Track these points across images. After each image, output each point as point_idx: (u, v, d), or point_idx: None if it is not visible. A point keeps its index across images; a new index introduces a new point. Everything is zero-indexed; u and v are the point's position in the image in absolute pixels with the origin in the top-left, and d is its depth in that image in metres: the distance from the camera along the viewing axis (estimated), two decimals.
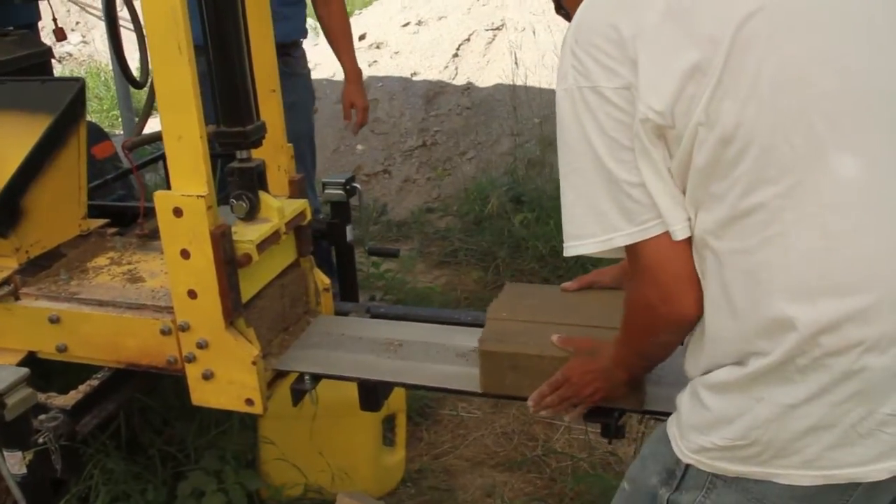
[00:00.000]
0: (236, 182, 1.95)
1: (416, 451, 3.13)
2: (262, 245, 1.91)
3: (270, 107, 2.08)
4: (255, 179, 1.97)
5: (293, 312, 2.16)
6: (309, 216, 2.14)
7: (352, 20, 8.15)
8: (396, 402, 2.78)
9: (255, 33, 1.98)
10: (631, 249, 1.30)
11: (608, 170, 1.25)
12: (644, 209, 1.25)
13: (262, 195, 1.98)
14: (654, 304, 1.31)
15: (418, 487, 2.93)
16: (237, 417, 2.75)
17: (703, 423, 1.29)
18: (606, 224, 1.28)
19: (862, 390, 1.16)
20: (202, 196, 1.77)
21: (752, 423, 1.22)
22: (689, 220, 1.27)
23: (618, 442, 3.04)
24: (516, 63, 5.77)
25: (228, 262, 1.82)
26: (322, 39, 9.06)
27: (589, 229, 1.30)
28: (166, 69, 1.71)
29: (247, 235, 1.89)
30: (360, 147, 6.16)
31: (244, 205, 1.94)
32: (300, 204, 2.12)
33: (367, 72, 6.73)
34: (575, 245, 1.34)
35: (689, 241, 1.28)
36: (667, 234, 1.27)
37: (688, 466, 1.32)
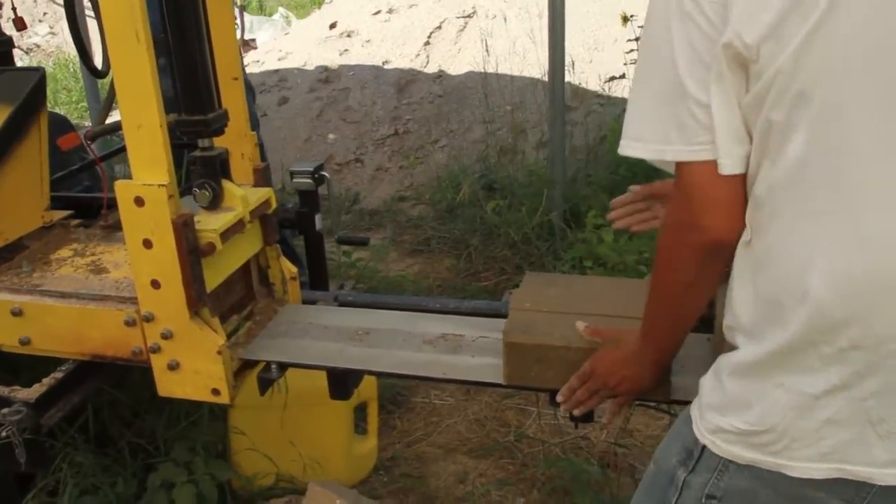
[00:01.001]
0: (199, 171, 1.92)
1: (388, 439, 3.13)
2: (226, 234, 1.89)
3: (233, 95, 2.07)
4: (218, 167, 1.93)
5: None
6: (274, 204, 2.13)
7: (323, 9, 8.13)
8: (368, 390, 2.78)
9: (215, 20, 1.96)
10: (677, 167, 1.25)
11: (681, 82, 1.19)
12: (701, 131, 1.19)
13: (226, 184, 1.96)
14: (685, 225, 1.26)
15: (391, 475, 2.93)
16: (207, 408, 2.73)
17: (721, 403, 1.28)
18: (661, 134, 1.23)
19: (884, 390, 1.14)
20: (163, 185, 1.75)
21: (771, 409, 1.21)
22: (745, 158, 1.21)
23: (590, 427, 3.06)
24: (487, 51, 5.76)
25: (191, 252, 1.81)
26: (292, 29, 9.01)
27: (645, 134, 1.25)
28: (124, 58, 1.69)
29: (210, 224, 1.87)
30: (331, 136, 6.14)
31: (207, 193, 1.91)
32: (265, 192, 2.10)
33: (338, 60, 6.72)
34: (628, 145, 1.28)
35: (737, 178, 1.22)
36: (714, 162, 1.21)
37: (704, 447, 1.30)
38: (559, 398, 1.68)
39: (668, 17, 1.19)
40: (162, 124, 1.72)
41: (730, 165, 1.20)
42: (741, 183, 1.23)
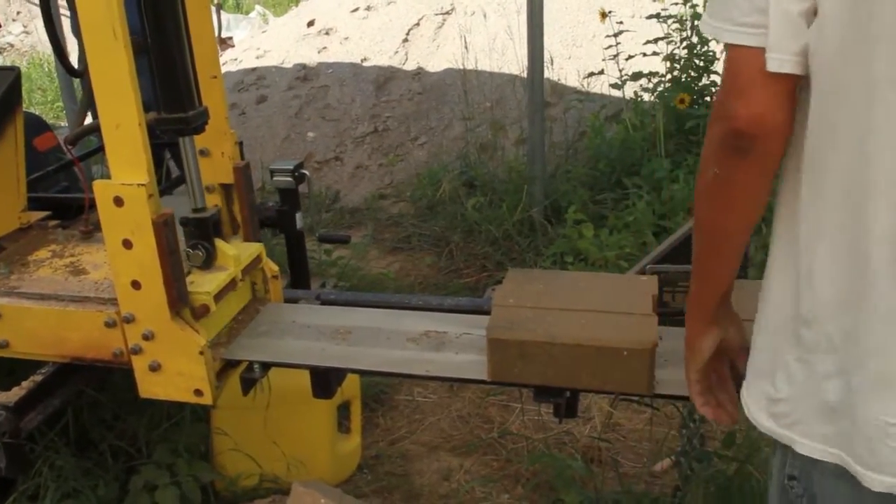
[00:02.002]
0: (192, 231, 1.95)
1: (372, 438, 3.12)
2: (220, 295, 1.93)
3: (212, 93, 2.05)
4: (211, 229, 1.97)
5: None
6: (265, 259, 2.15)
7: (300, 6, 8.10)
8: (351, 388, 2.77)
9: (193, 18, 1.94)
10: (725, 50, 1.15)
11: None
12: (749, 10, 1.08)
13: (219, 243, 1.99)
14: (714, 117, 1.16)
15: (375, 473, 2.93)
16: (189, 409, 2.71)
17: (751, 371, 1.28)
18: (721, 14, 1.12)
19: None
20: (143, 185, 1.73)
21: (787, 379, 1.19)
22: (799, 55, 1.08)
23: (574, 422, 3.07)
24: (466, 47, 5.75)
25: (172, 252, 1.80)
26: (270, 27, 8.96)
27: (715, 12, 1.13)
28: (101, 56, 1.67)
29: (204, 286, 1.90)
30: (310, 134, 6.11)
31: (200, 254, 1.95)
32: (255, 248, 2.13)
33: (316, 58, 6.69)
34: (704, 22, 1.17)
35: (782, 78, 1.09)
36: (760, 51, 1.08)
37: None
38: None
39: None
40: (141, 123, 1.70)
41: (776, 61, 1.08)
42: (788, 85, 1.10)
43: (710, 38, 1.12)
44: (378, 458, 3.01)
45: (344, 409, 2.86)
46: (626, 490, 2.49)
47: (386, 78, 6.42)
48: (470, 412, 3.25)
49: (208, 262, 1.97)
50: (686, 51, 4.86)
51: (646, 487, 2.70)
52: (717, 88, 1.22)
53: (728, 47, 1.12)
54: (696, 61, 4.88)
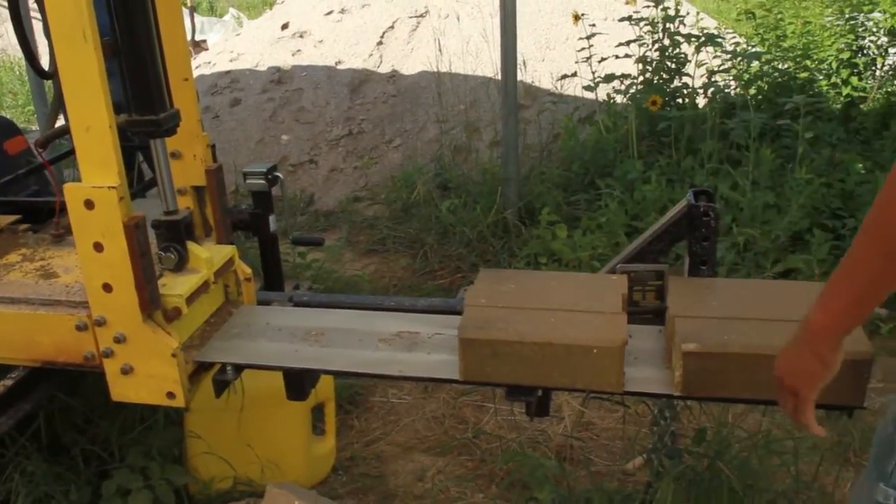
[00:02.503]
0: (164, 234, 1.95)
1: (347, 439, 3.13)
2: (192, 298, 1.92)
3: (184, 95, 2.05)
4: (183, 231, 1.96)
5: None
6: (238, 262, 2.14)
7: (274, 9, 8.07)
8: (325, 390, 2.78)
9: (164, 20, 1.94)
10: None
11: None
12: None
13: (191, 246, 1.98)
14: None
15: (350, 475, 2.93)
16: (162, 413, 2.71)
17: None
18: None
19: None
20: (114, 187, 1.73)
21: None
22: None
23: (547, 421, 3.09)
24: (440, 50, 5.78)
25: (143, 255, 1.79)
26: (244, 30, 8.93)
27: None
28: (71, 58, 1.66)
29: (176, 289, 1.89)
30: (285, 137, 6.10)
31: (173, 256, 1.94)
32: (228, 251, 2.12)
33: (290, 61, 6.68)
34: None
35: None
36: None
37: None
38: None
39: None
40: (111, 125, 1.70)
41: None
42: None
43: None
44: (353, 460, 3.01)
45: (318, 412, 2.86)
46: (598, 488, 2.51)
47: (360, 81, 6.42)
48: (444, 413, 3.26)
49: (180, 265, 1.96)
50: (658, 53, 4.92)
51: (618, 485, 2.72)
52: None
53: None
54: (668, 63, 4.93)
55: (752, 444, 2.53)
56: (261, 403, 2.59)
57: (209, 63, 7.20)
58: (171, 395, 1.91)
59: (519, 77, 4.75)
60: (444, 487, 2.84)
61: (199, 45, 9.26)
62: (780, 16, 5.53)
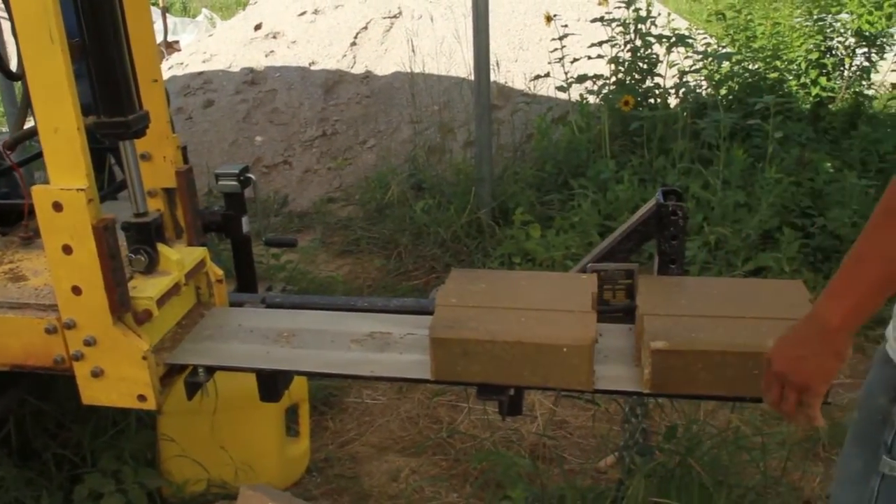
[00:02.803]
0: (134, 236, 1.94)
1: (321, 441, 3.13)
2: (162, 300, 1.91)
3: (153, 97, 2.04)
4: (153, 233, 1.96)
5: None
6: (209, 263, 2.14)
7: (247, 10, 8.03)
8: (299, 392, 2.77)
9: (133, 21, 1.93)
10: None
11: None
12: None
13: (161, 248, 1.98)
14: None
15: (324, 476, 2.93)
16: (135, 416, 2.70)
17: None
18: None
19: None
20: (82, 189, 1.72)
21: None
22: None
23: (521, 420, 3.11)
24: (414, 51, 5.78)
25: (113, 257, 1.78)
26: (217, 30, 8.88)
27: None
28: (38, 59, 1.65)
29: (146, 291, 1.88)
30: (258, 138, 6.08)
31: (143, 259, 1.93)
32: (199, 252, 2.11)
33: (263, 62, 6.65)
34: None
35: None
36: None
37: None
38: (764, 401, 1.46)
39: None
40: (79, 127, 1.69)
41: None
42: None
43: None
44: (327, 461, 3.01)
45: (292, 413, 2.86)
46: (571, 486, 2.53)
47: (334, 82, 6.41)
48: (419, 413, 3.27)
49: (151, 267, 1.96)
50: (630, 54, 4.95)
51: (591, 482, 2.74)
52: None
53: None
54: (640, 64, 4.97)
55: (722, 441, 2.56)
56: (234, 405, 2.59)
57: (182, 64, 7.16)
58: (142, 397, 1.90)
59: (492, 77, 4.77)
60: (419, 487, 2.85)
61: (171, 46, 9.20)
62: (749, 17, 5.58)
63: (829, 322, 1.31)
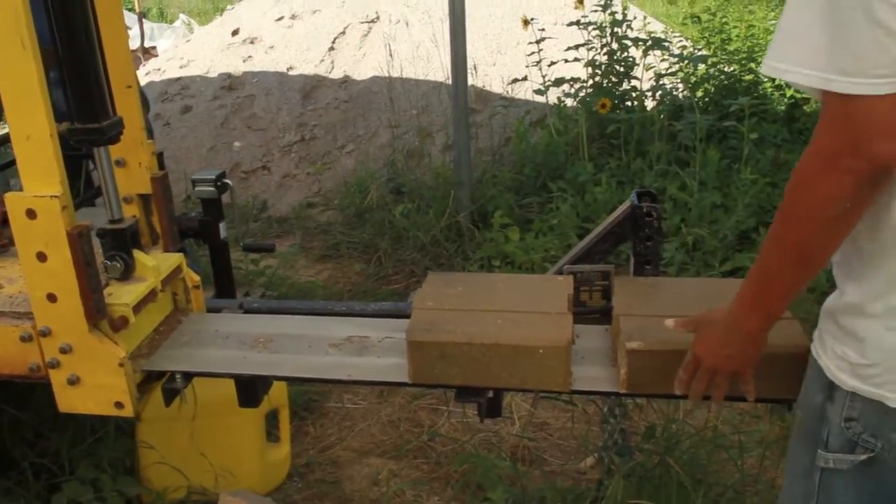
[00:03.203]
0: (109, 243, 1.93)
1: (302, 446, 3.12)
2: (139, 307, 1.90)
3: (127, 103, 2.03)
4: (129, 240, 1.95)
5: None
6: (186, 269, 2.13)
7: (225, 15, 8.02)
8: (278, 397, 2.77)
9: (106, 27, 1.93)
10: (838, 98, 1.17)
11: (871, 8, 1.11)
12: (886, 63, 1.13)
13: (137, 254, 1.97)
14: (844, 152, 1.20)
15: (305, 481, 2.93)
16: (113, 424, 2.68)
17: (839, 338, 1.37)
18: (829, 63, 1.15)
19: None
20: (56, 196, 1.71)
21: (878, 346, 1.31)
22: None
23: (501, 422, 3.12)
24: (391, 55, 5.79)
25: (88, 264, 1.78)
26: (195, 36, 8.85)
27: (809, 60, 1.17)
28: (9, 66, 1.64)
29: (122, 298, 1.87)
30: (237, 144, 6.06)
31: (118, 265, 1.92)
32: (175, 259, 2.10)
33: (241, 67, 6.64)
34: (780, 68, 1.21)
35: None
36: (892, 96, 1.14)
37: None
38: (679, 391, 1.63)
39: None
40: (52, 134, 1.68)
41: None
42: None
43: (804, 86, 1.19)
44: (308, 466, 3.00)
45: (272, 418, 2.85)
46: (551, 487, 2.54)
47: (312, 86, 6.41)
48: (399, 417, 3.27)
49: (127, 274, 1.95)
50: (606, 57, 4.98)
51: (572, 483, 2.75)
52: (833, 130, 1.22)
53: (852, 98, 1.16)
54: (617, 67, 5.00)
55: (701, 440, 2.58)
56: (214, 411, 2.58)
57: (159, 70, 7.13)
58: (119, 405, 1.89)
59: (470, 81, 4.79)
60: (400, 491, 2.85)
61: (148, 52, 9.16)
62: (724, 20, 5.64)
63: (746, 328, 1.46)
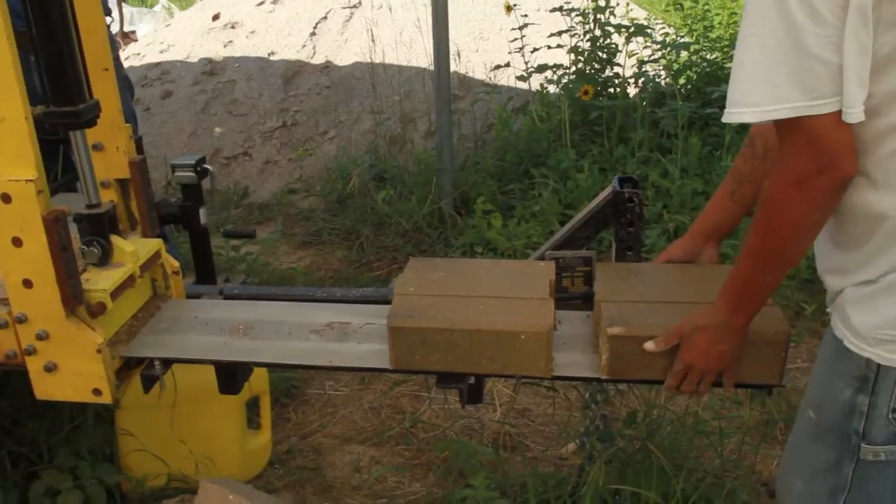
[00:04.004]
0: (86, 228, 1.90)
1: (283, 433, 3.11)
2: (116, 292, 1.88)
3: (104, 86, 2.00)
4: (106, 225, 1.92)
5: None
6: (165, 255, 2.10)
7: (205, 0, 7.93)
8: (259, 384, 2.75)
9: (81, 8, 1.89)
10: (790, 123, 1.29)
11: (801, 40, 1.24)
12: (826, 85, 1.25)
13: (115, 239, 1.94)
14: (809, 174, 1.32)
15: (286, 468, 2.92)
16: (92, 411, 2.66)
17: (878, 321, 1.40)
18: (777, 95, 1.27)
19: None
20: (31, 180, 1.68)
21: None
22: (863, 107, 1.28)
23: (483, 408, 3.12)
24: (373, 41, 5.75)
25: (64, 249, 1.75)
26: (175, 20, 8.76)
27: (755, 98, 1.30)
28: None
29: (99, 284, 1.85)
30: (218, 130, 6.02)
31: (96, 251, 1.89)
32: (154, 244, 2.07)
33: (222, 52, 6.58)
34: (737, 112, 1.33)
35: (855, 123, 1.29)
36: (838, 112, 1.27)
37: (879, 366, 1.40)
38: (668, 393, 1.73)
39: None
40: (27, 116, 1.65)
41: (856, 114, 1.27)
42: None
43: (759, 121, 1.35)
44: (290, 453, 3.00)
45: (253, 405, 2.84)
46: (532, 473, 2.54)
47: (294, 72, 6.36)
48: (381, 403, 3.27)
49: (104, 259, 1.92)
50: (589, 43, 4.97)
51: (553, 469, 2.76)
52: (795, 154, 1.35)
53: (803, 120, 1.29)
54: (599, 54, 5.00)
55: (681, 426, 2.59)
56: (194, 398, 2.56)
57: (139, 55, 7.05)
58: (97, 391, 1.87)
59: (453, 68, 4.77)
60: (382, 477, 2.84)
61: (128, 37, 9.05)
62: (707, 7, 5.64)
63: (733, 325, 1.57)
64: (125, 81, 3.72)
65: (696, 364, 1.62)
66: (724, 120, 1.37)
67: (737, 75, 1.33)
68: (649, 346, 1.65)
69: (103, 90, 1.98)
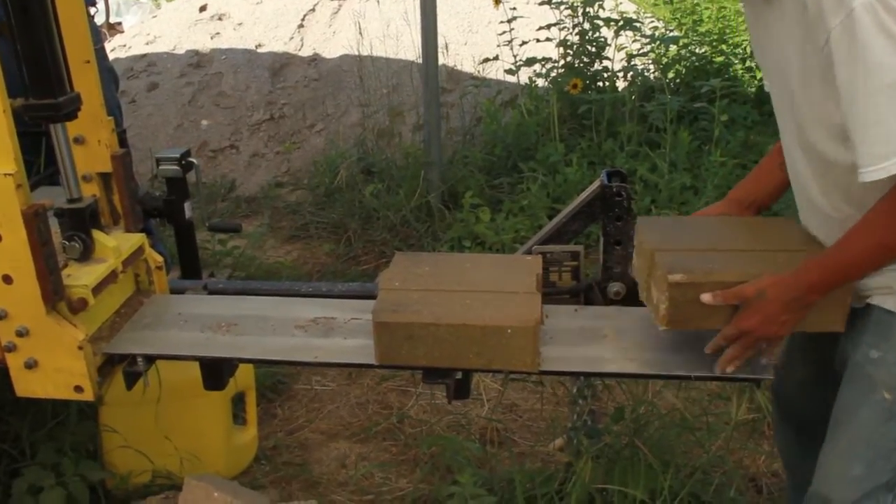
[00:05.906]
0: (67, 223, 1.87)
1: (270, 428, 3.09)
2: (98, 288, 1.84)
3: (85, 78, 1.97)
4: (88, 219, 1.89)
5: None
6: (147, 250, 2.07)
7: None
8: (245, 380, 2.73)
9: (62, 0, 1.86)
10: None
11: None
12: None
13: (97, 234, 1.91)
14: None
15: (273, 464, 2.90)
16: (75, 407, 2.63)
17: None
18: None
19: None
20: (10, 174, 1.65)
21: None
22: None
23: (471, 404, 3.11)
24: (361, 33, 5.72)
25: (45, 244, 1.73)
26: (161, 12, 8.69)
27: None
28: None
29: (81, 279, 1.82)
30: (204, 122, 5.97)
31: (77, 246, 1.86)
32: (137, 239, 2.04)
33: (209, 44, 6.53)
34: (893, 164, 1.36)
35: None
36: None
37: None
38: (709, 350, 1.67)
39: (881, 26, 1.29)
40: (5, 109, 1.62)
41: None
42: None
43: None
44: (276, 449, 2.98)
45: (239, 401, 2.82)
46: (519, 468, 2.53)
47: (281, 64, 6.32)
48: (368, 399, 3.25)
49: (86, 254, 1.89)
50: (578, 37, 4.95)
51: (541, 465, 2.75)
52: None
53: None
54: (588, 47, 4.98)
55: (669, 422, 2.58)
56: (179, 394, 2.54)
57: (125, 46, 6.99)
58: (78, 388, 1.85)
59: (441, 61, 4.74)
60: (368, 473, 2.83)
61: (114, 28, 8.98)
62: (696, 1, 5.63)
63: (807, 300, 1.56)
64: (110, 73, 3.68)
65: (755, 331, 1.59)
66: (881, 176, 1.39)
67: (884, 128, 1.36)
68: (706, 297, 1.61)
69: (84, 82, 1.95)
